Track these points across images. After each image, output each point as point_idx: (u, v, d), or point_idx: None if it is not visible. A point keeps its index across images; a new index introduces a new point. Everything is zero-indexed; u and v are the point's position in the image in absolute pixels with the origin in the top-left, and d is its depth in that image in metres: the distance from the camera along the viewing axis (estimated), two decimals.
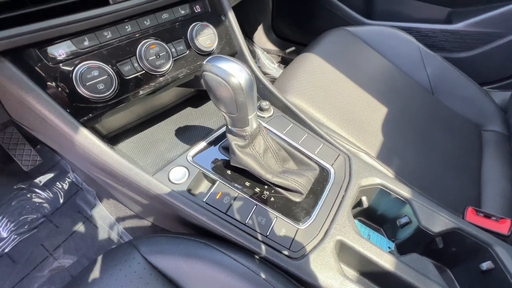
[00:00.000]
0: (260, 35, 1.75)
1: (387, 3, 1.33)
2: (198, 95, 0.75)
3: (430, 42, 1.24)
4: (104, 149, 0.48)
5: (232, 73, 0.40)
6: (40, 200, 1.08)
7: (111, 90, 0.47)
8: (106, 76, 0.46)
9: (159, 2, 0.50)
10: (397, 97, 0.99)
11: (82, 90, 0.45)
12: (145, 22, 0.51)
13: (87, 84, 0.45)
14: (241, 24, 1.40)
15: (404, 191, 0.59)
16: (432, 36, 1.23)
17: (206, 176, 0.53)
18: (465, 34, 1.17)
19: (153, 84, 0.53)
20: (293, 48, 1.71)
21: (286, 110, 0.69)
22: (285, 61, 1.80)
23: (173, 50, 0.55)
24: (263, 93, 0.71)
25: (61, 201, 1.10)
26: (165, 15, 0.53)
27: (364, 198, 0.62)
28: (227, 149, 0.56)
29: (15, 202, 1.05)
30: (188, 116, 0.71)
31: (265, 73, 1.80)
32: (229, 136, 0.49)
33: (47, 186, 1.11)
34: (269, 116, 0.66)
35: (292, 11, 1.59)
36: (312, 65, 0.94)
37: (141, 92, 0.52)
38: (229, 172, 0.55)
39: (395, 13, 1.33)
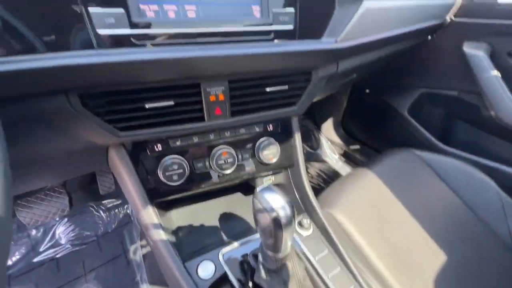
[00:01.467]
0: (328, 126, 1.85)
1: (470, 134, 1.27)
2: (250, 184, 0.82)
3: None
4: (156, 227, 0.57)
5: (275, 207, 0.45)
6: (99, 221, 1.26)
7: (181, 181, 0.58)
8: (181, 170, 0.58)
9: (241, 123, 0.63)
10: (466, 245, 0.87)
11: (161, 177, 0.57)
12: (226, 134, 0.63)
13: (167, 174, 0.57)
14: (313, 113, 1.52)
15: None
16: None
17: (230, 283, 0.56)
18: None
19: (215, 181, 0.63)
20: (357, 147, 1.73)
21: (325, 231, 0.69)
22: (347, 156, 1.82)
23: (239, 156, 0.65)
24: (307, 207, 0.74)
25: (113, 227, 1.26)
26: (242, 130, 0.65)
27: None
28: (256, 256, 0.58)
29: (83, 216, 1.25)
30: (236, 202, 0.78)
31: (323, 161, 1.84)
32: (260, 254, 0.53)
33: (108, 210, 1.30)
34: (307, 236, 0.68)
35: (364, 114, 1.66)
36: (368, 184, 0.93)
37: (203, 186, 0.62)
38: (250, 284, 0.56)
39: (476, 145, 1.25)
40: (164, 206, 0.69)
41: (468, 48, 1.11)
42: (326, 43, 0.57)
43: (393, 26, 0.68)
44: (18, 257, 1.11)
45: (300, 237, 0.66)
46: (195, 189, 0.62)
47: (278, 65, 0.57)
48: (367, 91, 1.58)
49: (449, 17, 1.08)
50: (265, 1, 0.50)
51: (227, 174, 0.64)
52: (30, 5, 0.37)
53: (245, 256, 0.60)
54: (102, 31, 0.41)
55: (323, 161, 1.85)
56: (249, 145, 0.66)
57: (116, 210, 1.31)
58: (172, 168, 0.57)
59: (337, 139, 1.84)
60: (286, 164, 0.72)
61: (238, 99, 0.58)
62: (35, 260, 1.11)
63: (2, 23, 0.36)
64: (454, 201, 0.99)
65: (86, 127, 0.48)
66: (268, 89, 0.60)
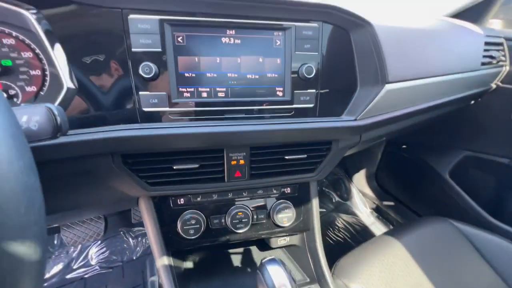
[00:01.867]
0: (360, 177, 1.78)
1: None
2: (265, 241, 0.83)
3: None
4: (168, 274, 0.61)
5: (275, 281, 0.46)
6: (126, 247, 1.34)
7: (197, 236, 0.62)
8: (198, 225, 0.62)
9: (259, 185, 0.66)
10: None
11: (179, 230, 0.62)
12: (243, 194, 0.67)
13: (184, 227, 0.62)
14: (344, 162, 1.48)
15: None
16: None
17: None
18: None
19: (228, 237, 0.66)
20: (391, 203, 1.61)
21: None
22: (379, 211, 1.70)
23: (254, 217, 0.67)
24: (319, 276, 0.71)
25: (138, 255, 1.34)
26: (259, 192, 0.68)
27: None
28: None
29: (114, 240, 1.35)
30: (248, 257, 0.79)
31: (353, 214, 1.74)
32: None
33: (136, 237, 1.38)
34: None
35: (400, 169, 1.57)
36: (394, 255, 0.86)
37: (217, 241, 0.65)
38: None
39: None
40: (180, 255, 0.73)
41: None
42: (346, 120, 0.59)
43: (418, 101, 0.68)
44: (55, 271, 1.23)
45: None
46: (209, 243, 0.65)
47: (297, 138, 0.61)
48: (404, 146, 1.51)
49: (495, 83, 1.03)
50: (288, 83, 0.56)
51: (241, 233, 0.66)
52: (95, 91, 0.47)
53: None
54: (146, 109, 0.50)
55: (353, 213, 1.75)
56: (265, 207, 0.69)
57: (144, 239, 1.39)
58: (190, 223, 0.62)
59: (369, 192, 1.75)
60: (302, 228, 0.72)
61: (258, 164, 0.62)
62: (67, 276, 1.22)
63: (74, 105, 0.46)
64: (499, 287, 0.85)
65: (123, 181, 0.56)
66: (287, 157, 0.63)
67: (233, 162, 0.61)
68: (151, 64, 0.48)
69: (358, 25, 0.56)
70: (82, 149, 0.48)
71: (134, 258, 1.32)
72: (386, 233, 0.97)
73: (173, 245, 0.63)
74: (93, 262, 1.28)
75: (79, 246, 1.30)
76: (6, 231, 0.18)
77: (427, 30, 0.68)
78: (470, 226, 1.01)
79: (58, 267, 1.24)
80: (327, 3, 0.53)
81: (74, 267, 1.26)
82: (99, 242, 1.32)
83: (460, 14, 1.05)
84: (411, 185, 1.51)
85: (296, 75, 0.56)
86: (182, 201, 0.64)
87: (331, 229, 1.65)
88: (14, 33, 0.49)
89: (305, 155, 0.64)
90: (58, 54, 0.45)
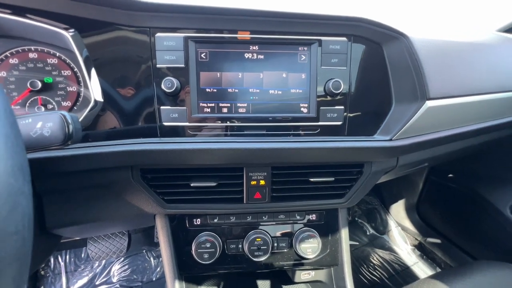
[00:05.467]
0: (399, 209, 1.60)
1: None
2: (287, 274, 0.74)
3: None
4: None
5: None
6: (148, 267, 1.33)
7: (211, 261, 0.58)
8: (213, 250, 0.58)
9: (281, 209, 0.61)
10: None
11: (193, 254, 0.58)
12: (263, 217, 0.62)
13: (198, 250, 0.58)
14: (379, 190, 1.34)
15: None
16: None
17: None
18: None
19: (245, 265, 0.60)
20: (437, 241, 1.40)
21: None
22: (422, 249, 1.49)
23: (275, 244, 0.61)
24: None
25: (157, 276, 1.31)
26: (281, 216, 0.62)
27: None
28: None
29: (136, 258, 1.35)
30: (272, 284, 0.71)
31: (391, 250, 1.54)
32: None
33: (157, 257, 1.36)
34: None
35: (446, 201, 1.38)
36: None
37: (232, 269, 0.60)
38: None
39: None
40: (192, 279, 0.68)
41: None
42: (379, 140, 0.53)
43: (465, 121, 0.59)
44: (79, 285, 1.24)
45: None
46: (224, 270, 0.60)
47: (324, 158, 0.55)
48: (451, 175, 1.33)
49: None
50: (314, 99, 0.52)
51: (259, 262, 0.60)
52: (120, 105, 0.48)
53: None
54: (166, 124, 0.50)
55: (390, 250, 1.55)
56: (287, 234, 0.62)
57: None
58: (205, 246, 0.58)
59: (410, 226, 1.55)
60: (329, 262, 0.63)
61: (280, 186, 0.58)
62: None
63: (100, 118, 0.48)
64: None
65: (140, 197, 0.55)
66: (312, 179, 0.58)
67: (253, 182, 0.57)
68: (174, 79, 0.48)
69: (392, 38, 0.52)
70: (103, 161, 0.48)
71: (154, 279, 1.30)
72: (432, 277, 0.82)
73: (186, 269, 0.59)
74: (114, 280, 1.28)
75: (103, 262, 1.31)
76: None
77: (475, 44, 0.61)
78: None
79: (83, 281, 1.26)
80: (356, 15, 0.50)
81: (97, 282, 1.26)
82: (122, 259, 1.33)
83: None
84: (461, 220, 1.31)
85: (322, 91, 0.52)
86: (198, 221, 0.60)
87: (365, 266, 1.47)
88: (57, 54, 0.53)
89: (333, 178, 0.58)
90: (92, 72, 0.48)
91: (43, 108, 0.55)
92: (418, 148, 0.58)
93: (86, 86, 0.50)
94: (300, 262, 0.62)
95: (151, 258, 1.35)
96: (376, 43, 0.53)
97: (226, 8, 0.48)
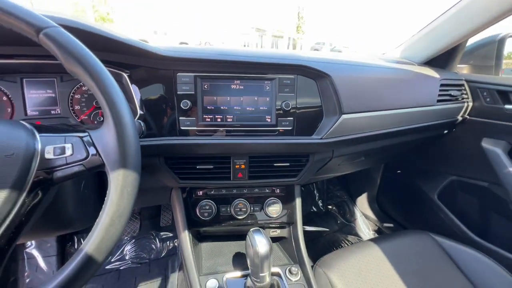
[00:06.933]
0: (363, 201, 1.93)
1: (503, 228, 1.21)
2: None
3: None
4: (188, 246, 0.86)
5: (257, 242, 0.69)
6: (154, 247, 1.60)
7: (209, 218, 0.88)
8: (210, 210, 0.89)
9: (255, 185, 0.92)
10: None
11: (197, 213, 0.88)
12: (244, 190, 0.93)
13: (201, 211, 0.88)
14: (348, 186, 1.71)
15: None
16: None
17: None
18: None
19: (231, 222, 0.91)
20: (391, 225, 1.73)
21: (309, 281, 0.84)
22: (380, 233, 1.81)
23: (251, 208, 0.92)
24: (300, 259, 0.91)
25: (162, 255, 1.58)
26: (256, 190, 0.94)
27: None
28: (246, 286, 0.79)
29: (144, 240, 1.63)
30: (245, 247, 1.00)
31: (356, 235, 1.86)
32: (248, 279, 0.74)
33: (163, 240, 1.64)
34: (296, 281, 0.84)
35: (397, 192, 1.72)
36: (370, 256, 1.03)
37: (223, 224, 0.90)
38: None
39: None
40: (198, 237, 0.98)
41: (486, 144, 1.20)
42: (314, 138, 0.85)
43: (374, 127, 0.93)
44: None
45: (288, 281, 0.84)
46: (218, 225, 0.91)
47: (281, 150, 0.87)
48: (399, 171, 1.67)
49: (461, 116, 1.23)
50: (274, 113, 0.85)
51: (240, 219, 0.91)
52: (154, 116, 0.80)
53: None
54: (182, 128, 0.81)
55: (356, 235, 1.87)
56: (259, 201, 0.93)
57: (168, 242, 1.64)
58: (205, 208, 0.89)
59: (371, 214, 1.88)
60: (288, 220, 0.94)
61: (254, 169, 0.89)
62: (106, 267, 1.49)
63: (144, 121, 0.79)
64: None
65: (163, 175, 0.86)
66: (275, 164, 0.89)
67: (237, 166, 0.88)
68: (188, 101, 0.80)
69: (322, 76, 0.85)
70: (145, 150, 0.79)
71: (160, 257, 1.57)
72: (369, 240, 1.13)
73: (192, 223, 0.89)
74: (126, 257, 1.55)
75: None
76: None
77: (379, 77, 0.95)
78: (448, 239, 1.14)
79: None
80: (301, 63, 0.83)
81: (112, 260, 1.53)
82: (133, 240, 1.60)
83: (432, 62, 1.30)
84: (407, 206, 1.64)
85: (279, 108, 0.85)
86: (200, 193, 0.91)
87: (334, 248, 1.78)
88: None
89: (289, 164, 0.90)
90: (137, 94, 0.79)
91: (102, 118, 0.85)
92: (342, 144, 0.91)
93: (133, 103, 0.81)
94: (268, 220, 0.93)
95: (157, 241, 1.63)
96: (312, 78, 0.86)
97: (220, 60, 0.80)
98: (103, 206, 0.47)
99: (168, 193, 0.96)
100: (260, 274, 0.70)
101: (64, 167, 0.47)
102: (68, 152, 0.47)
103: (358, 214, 1.93)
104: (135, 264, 1.52)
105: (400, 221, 1.69)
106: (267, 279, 0.72)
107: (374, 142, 1.03)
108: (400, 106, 0.97)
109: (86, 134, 0.50)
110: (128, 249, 1.58)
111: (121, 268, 1.50)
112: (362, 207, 1.94)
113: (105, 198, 0.47)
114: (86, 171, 0.48)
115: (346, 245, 1.78)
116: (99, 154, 0.48)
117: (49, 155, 0.46)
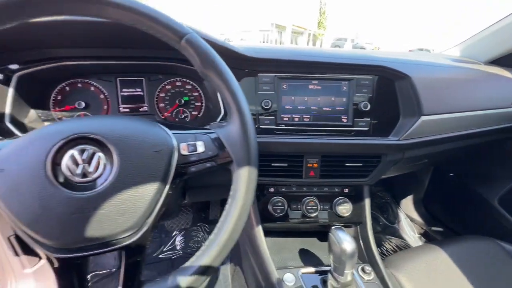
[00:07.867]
0: (408, 203, 1.88)
1: None
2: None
3: None
4: (261, 241, 0.89)
5: (344, 241, 0.71)
6: (201, 239, 1.67)
7: (281, 214, 0.91)
8: (282, 207, 0.91)
9: (326, 184, 0.94)
10: None
11: (270, 209, 0.91)
12: (314, 189, 0.95)
13: (273, 207, 0.91)
14: (391, 188, 1.69)
15: None
16: None
17: None
18: None
19: (302, 219, 0.93)
20: (440, 229, 1.68)
21: (383, 280, 0.85)
22: (427, 237, 1.76)
23: (321, 206, 0.94)
24: (371, 258, 0.92)
25: None
26: (326, 189, 0.95)
27: None
28: (325, 281, 0.81)
29: (193, 233, 1.70)
30: (313, 244, 1.02)
31: (400, 237, 1.82)
32: (329, 274, 0.76)
33: (209, 233, 1.70)
34: (368, 280, 0.85)
35: (448, 196, 1.66)
36: (437, 259, 1.01)
37: (294, 220, 0.93)
38: None
39: None
40: (268, 233, 1.02)
41: None
42: (391, 139, 0.85)
43: (451, 129, 0.90)
44: (151, 249, 1.60)
45: (362, 280, 0.85)
46: (289, 221, 0.93)
47: (356, 150, 0.88)
48: (451, 174, 1.62)
49: None
50: (351, 114, 0.85)
51: (310, 217, 0.93)
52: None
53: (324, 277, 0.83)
54: (262, 126, 0.84)
55: (400, 237, 1.84)
56: (329, 200, 0.95)
57: None
58: (277, 205, 0.91)
59: (417, 217, 1.83)
60: (356, 220, 0.95)
61: (326, 168, 0.90)
62: (160, 256, 1.58)
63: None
64: None
65: None
66: (347, 164, 0.90)
67: (309, 165, 0.90)
68: (269, 100, 0.82)
69: (401, 77, 0.84)
70: None
71: None
72: (432, 242, 1.11)
73: (265, 219, 0.92)
74: (178, 248, 1.62)
75: (170, 234, 1.67)
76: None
77: (455, 77, 0.92)
78: None
79: (153, 247, 1.61)
80: (380, 64, 0.83)
81: (164, 249, 1.61)
82: (183, 232, 1.68)
83: (500, 60, 1.23)
84: (459, 211, 1.58)
85: (356, 109, 0.85)
86: (272, 190, 0.94)
87: (378, 249, 1.76)
88: (191, 82, 0.89)
89: (361, 164, 0.91)
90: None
91: (183, 116, 0.90)
92: (417, 146, 0.90)
93: (207, 103, 0.85)
94: (337, 218, 0.95)
95: (205, 233, 1.69)
96: (391, 80, 0.86)
97: (299, 61, 0.82)
98: (228, 200, 0.50)
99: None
100: (345, 271, 0.72)
101: (197, 163, 0.51)
102: (200, 149, 0.51)
103: (402, 217, 1.89)
104: (186, 254, 1.59)
105: (450, 226, 1.64)
106: (350, 277, 0.73)
107: (443, 145, 1.01)
108: (477, 108, 0.94)
109: (213, 132, 0.53)
110: (179, 240, 1.65)
111: (173, 257, 1.58)
112: (407, 209, 1.89)
113: (230, 193, 0.50)
114: (216, 167, 0.52)
115: (391, 247, 1.76)
116: (228, 152, 0.51)
117: (184, 151, 0.51)
